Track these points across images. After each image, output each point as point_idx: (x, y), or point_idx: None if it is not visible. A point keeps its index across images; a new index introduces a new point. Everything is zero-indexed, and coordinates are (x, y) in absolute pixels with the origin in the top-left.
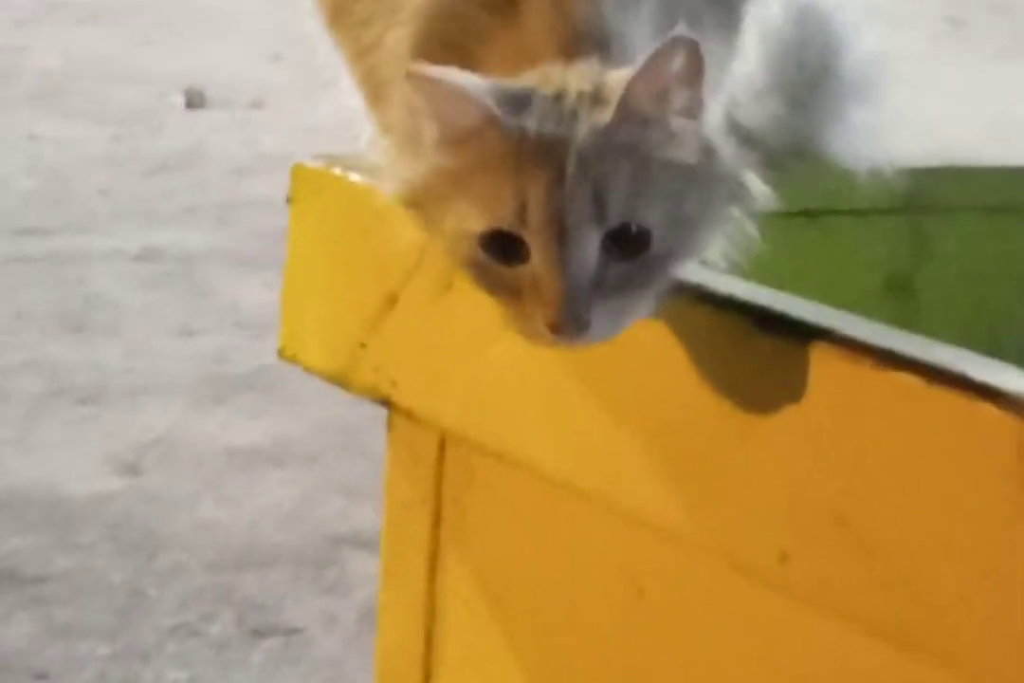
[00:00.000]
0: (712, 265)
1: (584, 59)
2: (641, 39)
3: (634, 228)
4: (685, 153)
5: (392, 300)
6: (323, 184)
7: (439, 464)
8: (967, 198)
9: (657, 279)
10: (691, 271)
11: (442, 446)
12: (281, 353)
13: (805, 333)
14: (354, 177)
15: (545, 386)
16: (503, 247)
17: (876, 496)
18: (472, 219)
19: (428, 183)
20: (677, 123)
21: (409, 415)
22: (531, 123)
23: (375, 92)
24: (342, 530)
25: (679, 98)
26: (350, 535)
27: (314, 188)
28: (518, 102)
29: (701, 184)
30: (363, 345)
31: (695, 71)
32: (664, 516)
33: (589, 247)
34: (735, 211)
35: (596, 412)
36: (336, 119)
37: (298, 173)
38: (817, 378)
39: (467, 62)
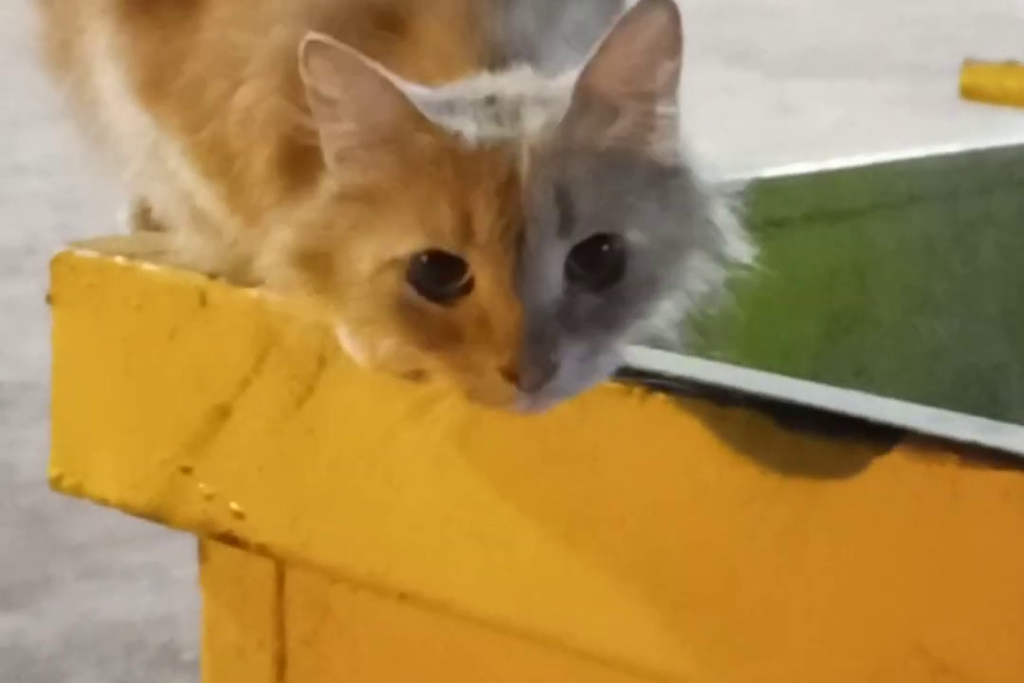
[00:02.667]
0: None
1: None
2: (565, 53)
3: (607, 243)
4: (664, 149)
5: (223, 413)
6: (101, 278)
7: (279, 600)
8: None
9: (633, 317)
10: (656, 357)
11: (280, 579)
12: (55, 484)
13: (857, 430)
14: (149, 267)
15: (476, 506)
16: (437, 276)
17: (959, 616)
18: (397, 241)
19: (333, 214)
20: (652, 109)
21: (263, 551)
22: (467, 124)
23: (222, 165)
24: None
25: (656, 75)
26: None
27: (88, 283)
28: (444, 106)
29: (681, 198)
30: (186, 470)
31: (675, 39)
32: (671, 665)
33: (553, 266)
34: (704, 256)
35: (554, 542)
36: None
37: (62, 265)
38: (872, 482)
39: None
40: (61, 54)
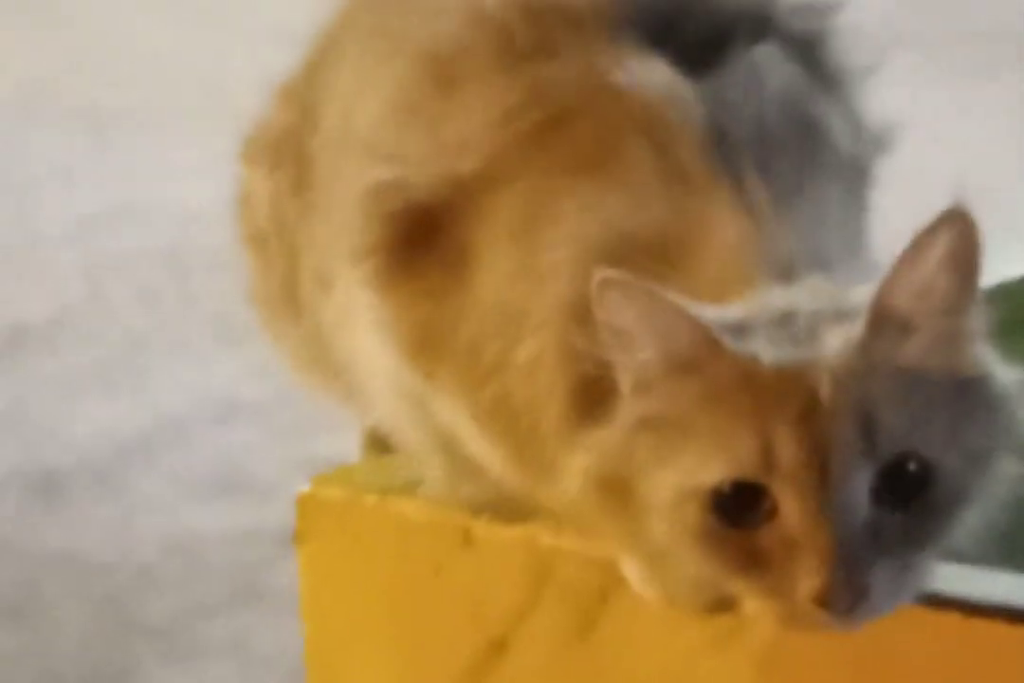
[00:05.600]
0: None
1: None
2: (845, 255)
3: (913, 462)
4: (962, 361)
5: (499, 648)
6: (352, 515)
7: None
8: None
9: (942, 531)
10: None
11: None
12: None
13: None
14: (404, 504)
15: None
16: (739, 504)
17: None
18: (699, 471)
19: (633, 442)
20: (950, 323)
21: None
22: (765, 348)
23: (508, 424)
24: None
25: (952, 290)
26: None
27: (338, 521)
28: (739, 328)
29: (984, 407)
30: None
31: (972, 254)
32: None
33: (859, 489)
34: (1009, 461)
35: None
36: None
37: (308, 503)
38: None
39: None
40: (281, 295)
